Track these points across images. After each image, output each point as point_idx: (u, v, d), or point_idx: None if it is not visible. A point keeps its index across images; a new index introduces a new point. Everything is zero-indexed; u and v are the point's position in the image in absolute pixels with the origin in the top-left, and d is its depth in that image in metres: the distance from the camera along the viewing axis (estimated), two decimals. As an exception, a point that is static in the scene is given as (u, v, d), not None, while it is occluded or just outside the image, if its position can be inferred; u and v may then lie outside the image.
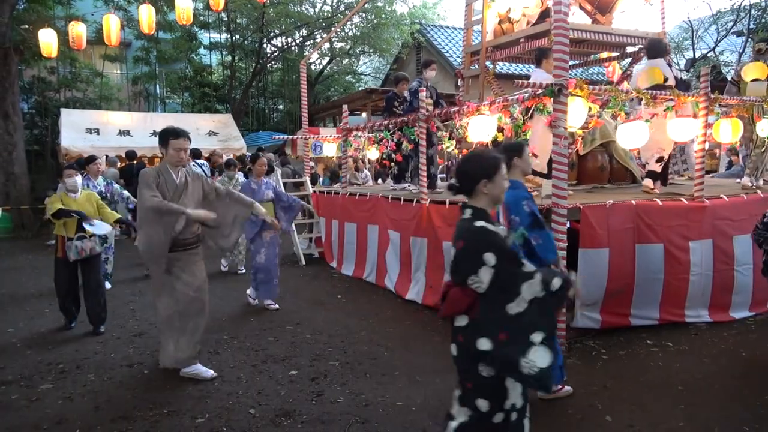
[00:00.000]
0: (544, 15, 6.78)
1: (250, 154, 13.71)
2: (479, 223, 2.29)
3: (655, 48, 5.86)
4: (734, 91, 6.91)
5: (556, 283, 2.19)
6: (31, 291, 6.94)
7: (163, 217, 3.87)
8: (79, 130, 13.72)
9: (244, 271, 7.82)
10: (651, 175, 5.72)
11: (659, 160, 5.69)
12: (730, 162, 10.43)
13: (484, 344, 2.20)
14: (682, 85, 5.77)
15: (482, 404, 2.28)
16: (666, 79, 5.55)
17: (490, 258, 2.17)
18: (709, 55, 19.96)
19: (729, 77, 8.72)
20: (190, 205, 4.00)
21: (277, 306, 5.94)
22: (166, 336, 4.13)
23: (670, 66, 5.87)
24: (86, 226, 5.13)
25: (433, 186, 6.83)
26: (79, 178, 5.40)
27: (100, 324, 5.25)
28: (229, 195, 4.33)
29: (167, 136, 3.97)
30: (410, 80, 7.47)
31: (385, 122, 6.91)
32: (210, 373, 4.07)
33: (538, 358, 2.12)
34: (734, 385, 3.77)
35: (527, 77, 5.33)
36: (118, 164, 12.23)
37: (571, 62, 6.44)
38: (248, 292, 6.18)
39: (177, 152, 3.94)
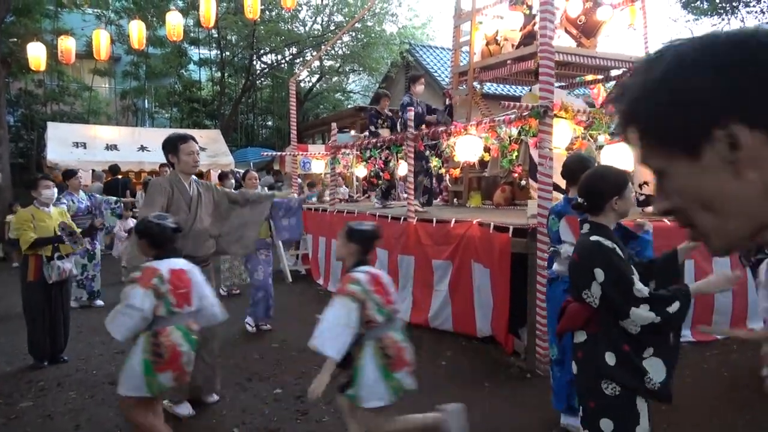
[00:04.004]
0: (530, 37, 6.91)
1: (241, 171, 13.75)
2: (594, 238, 2.22)
3: None
4: None
5: (674, 306, 2.09)
6: (13, 306, 6.83)
7: None
8: (65, 143, 13.63)
9: (225, 293, 7.51)
10: None
11: None
12: None
13: (609, 358, 2.12)
14: None
15: (606, 425, 2.15)
16: None
17: (599, 274, 2.12)
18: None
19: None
20: (205, 217, 3.75)
21: (269, 326, 5.81)
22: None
23: None
24: (68, 242, 4.71)
25: (430, 203, 6.86)
26: (55, 190, 4.93)
27: (61, 351, 4.85)
28: (246, 198, 4.00)
29: (176, 141, 3.68)
30: (391, 97, 7.55)
31: (373, 140, 6.96)
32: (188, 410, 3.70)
33: (654, 371, 2.07)
34: (717, 406, 3.80)
35: (514, 98, 5.41)
36: (104, 179, 12.16)
37: (557, 84, 6.56)
38: (246, 320, 5.78)
39: (189, 156, 3.67)
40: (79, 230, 4.98)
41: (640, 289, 2.10)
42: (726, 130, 0.61)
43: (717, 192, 0.64)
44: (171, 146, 3.70)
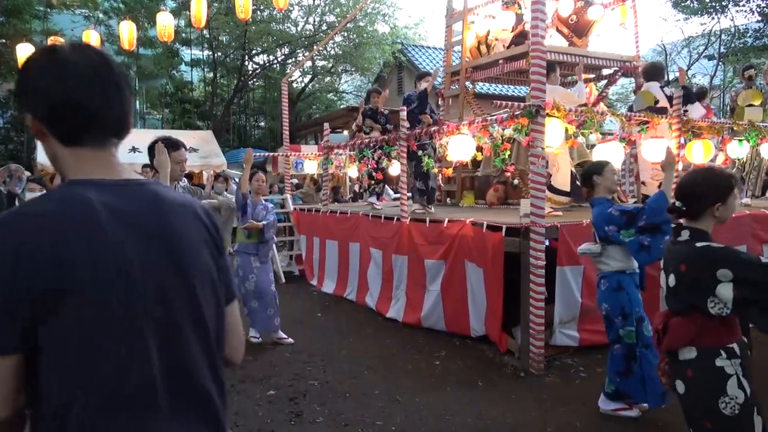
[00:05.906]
0: (522, 36, 6.93)
1: (234, 172, 13.71)
2: (700, 244, 2.04)
3: (649, 72, 6.10)
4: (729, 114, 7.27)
5: None
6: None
7: None
8: (56, 145, 13.51)
9: None
10: None
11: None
12: None
13: (729, 368, 1.98)
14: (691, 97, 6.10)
15: None
16: (657, 101, 5.74)
17: (725, 274, 1.93)
18: (682, 77, 20.54)
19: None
20: None
21: (291, 340, 5.33)
22: None
23: (662, 88, 6.07)
24: None
25: (431, 201, 6.73)
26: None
27: None
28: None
29: (166, 148, 3.62)
30: (382, 94, 7.54)
31: (366, 140, 6.95)
32: None
33: None
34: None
35: (506, 97, 5.42)
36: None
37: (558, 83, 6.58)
38: (250, 335, 5.27)
39: (178, 165, 3.60)
40: None
41: None
42: (28, 115, 1.02)
43: (49, 153, 1.08)
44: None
